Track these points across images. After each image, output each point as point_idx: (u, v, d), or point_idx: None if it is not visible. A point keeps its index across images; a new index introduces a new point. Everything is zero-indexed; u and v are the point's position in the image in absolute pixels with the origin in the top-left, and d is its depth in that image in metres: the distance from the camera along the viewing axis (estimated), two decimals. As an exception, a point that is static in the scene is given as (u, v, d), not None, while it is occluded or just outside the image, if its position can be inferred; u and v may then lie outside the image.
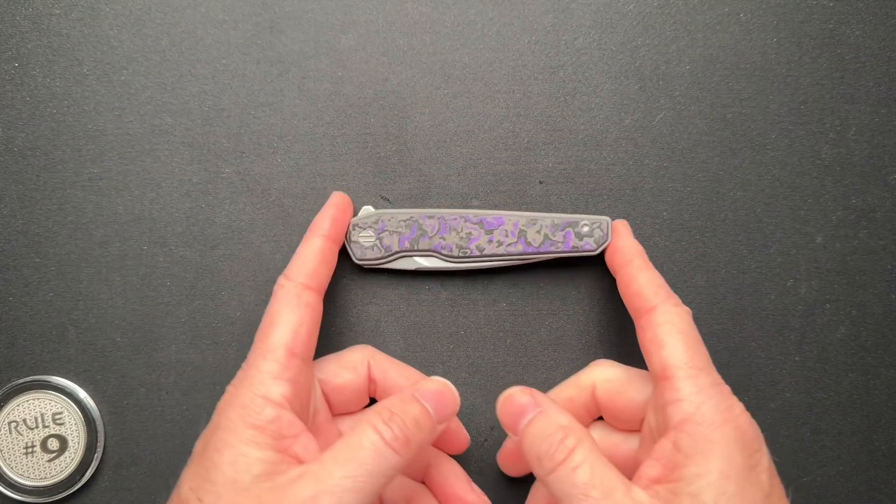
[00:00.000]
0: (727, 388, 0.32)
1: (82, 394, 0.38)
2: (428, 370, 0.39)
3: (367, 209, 0.38)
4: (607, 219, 0.37)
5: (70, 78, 0.38)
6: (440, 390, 0.33)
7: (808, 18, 0.39)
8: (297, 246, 0.39)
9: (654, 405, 0.33)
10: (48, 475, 0.38)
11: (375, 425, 0.30)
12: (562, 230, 0.37)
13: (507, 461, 0.38)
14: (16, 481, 0.38)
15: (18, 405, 0.38)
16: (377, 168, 0.39)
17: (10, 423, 0.38)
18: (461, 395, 0.39)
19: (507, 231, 0.37)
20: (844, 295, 0.39)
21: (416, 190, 0.39)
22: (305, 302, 0.34)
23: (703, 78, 0.39)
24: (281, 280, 0.35)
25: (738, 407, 0.31)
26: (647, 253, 0.38)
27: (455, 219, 0.37)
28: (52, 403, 0.38)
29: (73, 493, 0.38)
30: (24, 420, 0.38)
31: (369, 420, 0.30)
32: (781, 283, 0.39)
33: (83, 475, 0.38)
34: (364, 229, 0.37)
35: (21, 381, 0.38)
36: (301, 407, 0.33)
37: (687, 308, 0.34)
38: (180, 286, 0.38)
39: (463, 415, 0.39)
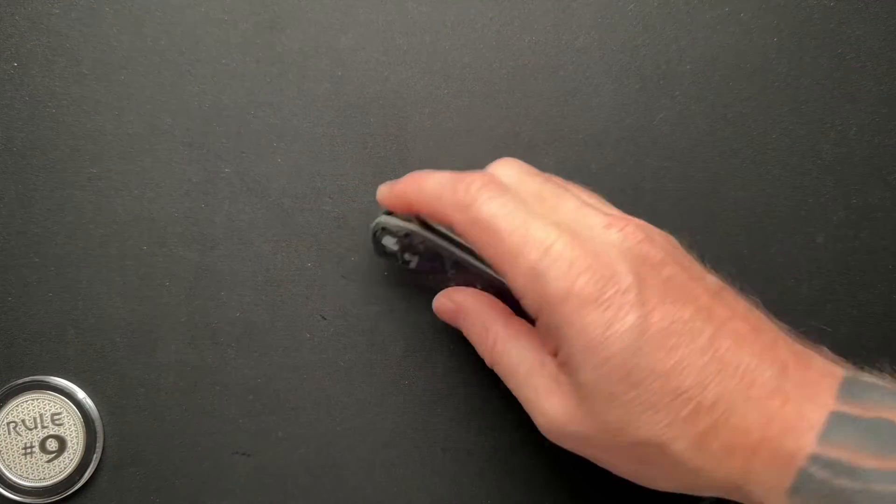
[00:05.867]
0: (558, 247, 0.29)
1: (81, 394, 0.38)
2: (428, 370, 0.39)
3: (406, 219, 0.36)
4: None
5: (69, 77, 0.38)
6: None
7: (809, 18, 0.39)
8: (296, 246, 0.39)
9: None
10: (47, 476, 0.38)
11: None
12: None
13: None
14: (14, 482, 0.38)
15: (17, 405, 0.38)
16: (377, 168, 0.39)
17: (8, 424, 0.38)
18: (461, 395, 0.39)
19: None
20: (845, 295, 0.39)
21: (416, 190, 0.39)
22: None
23: (704, 78, 0.39)
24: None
25: (572, 264, 0.28)
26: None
27: (472, 269, 0.35)
28: (51, 404, 0.38)
29: (72, 493, 0.38)
30: (23, 420, 0.38)
31: None
32: (782, 284, 0.39)
33: (82, 476, 0.38)
34: (391, 235, 0.36)
35: (20, 381, 0.38)
36: None
37: (505, 162, 0.33)
38: (180, 286, 0.38)
39: (463, 415, 0.39)
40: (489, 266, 0.34)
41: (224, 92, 0.38)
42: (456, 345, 0.39)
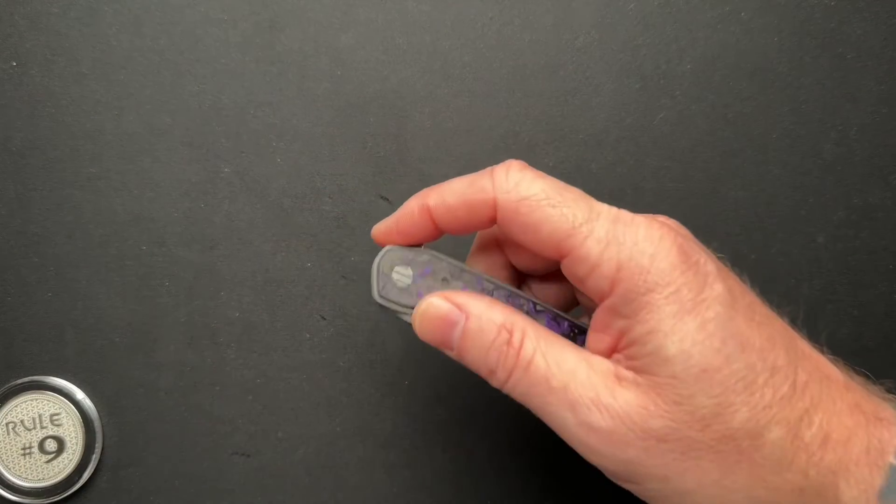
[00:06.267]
0: (627, 215, 0.27)
1: (80, 394, 0.38)
2: (428, 371, 0.39)
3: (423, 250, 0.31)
4: None
5: (68, 77, 0.38)
6: None
7: (810, 17, 0.39)
8: (296, 246, 0.39)
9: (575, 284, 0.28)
10: (46, 476, 0.38)
11: None
12: None
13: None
14: (13, 483, 0.38)
15: (16, 406, 0.38)
16: (377, 168, 0.39)
17: (7, 424, 0.38)
18: (461, 395, 0.39)
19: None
20: (846, 295, 0.39)
21: (415, 190, 0.38)
22: None
23: (705, 77, 0.39)
24: None
25: (650, 228, 0.26)
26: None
27: (510, 296, 0.30)
28: (50, 404, 0.38)
29: (71, 494, 0.38)
30: (22, 421, 0.38)
31: None
32: (783, 284, 0.39)
33: (81, 476, 0.38)
34: (405, 265, 0.30)
35: (19, 381, 0.38)
36: None
37: (517, 162, 0.28)
38: (179, 286, 0.38)
39: (462, 416, 0.39)
40: (522, 291, 0.31)
41: (224, 92, 0.38)
42: (456, 345, 0.39)
